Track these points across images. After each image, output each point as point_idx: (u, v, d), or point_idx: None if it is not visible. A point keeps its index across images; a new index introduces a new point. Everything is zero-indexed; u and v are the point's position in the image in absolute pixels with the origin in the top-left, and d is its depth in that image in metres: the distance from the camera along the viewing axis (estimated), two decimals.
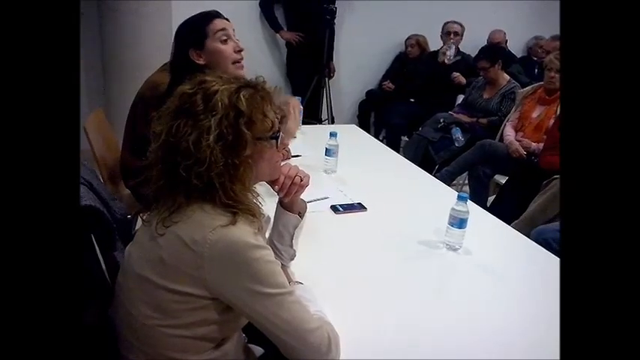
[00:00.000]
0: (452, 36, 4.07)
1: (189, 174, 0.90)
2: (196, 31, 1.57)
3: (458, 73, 3.89)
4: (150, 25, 3.18)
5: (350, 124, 3.38)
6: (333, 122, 4.02)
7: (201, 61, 1.57)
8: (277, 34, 4.15)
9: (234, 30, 1.65)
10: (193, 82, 0.95)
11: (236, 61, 1.61)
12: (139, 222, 1.93)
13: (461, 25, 4.09)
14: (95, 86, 3.52)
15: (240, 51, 1.60)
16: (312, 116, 3.85)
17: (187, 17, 2.22)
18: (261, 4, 4.08)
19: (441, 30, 4.18)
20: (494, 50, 3.64)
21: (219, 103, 0.90)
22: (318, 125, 3.73)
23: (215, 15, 1.61)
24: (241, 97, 0.92)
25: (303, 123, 2.70)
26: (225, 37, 1.58)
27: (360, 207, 1.73)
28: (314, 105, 3.96)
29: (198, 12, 2.23)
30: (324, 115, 4.07)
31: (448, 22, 4.14)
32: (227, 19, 1.66)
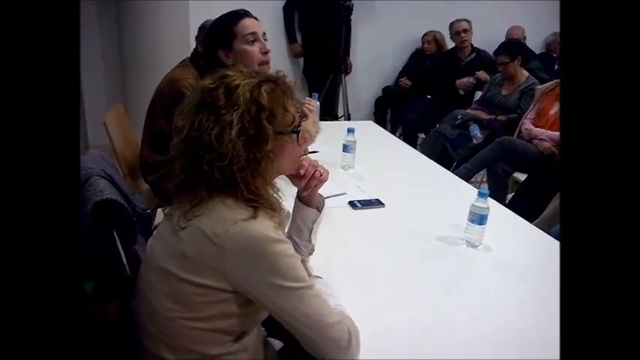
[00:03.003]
0: (462, 34, 3.97)
1: (211, 168, 0.90)
2: (225, 32, 1.59)
3: (481, 71, 3.84)
4: (168, 23, 3.20)
5: (367, 121, 3.36)
6: (349, 119, 4.01)
7: (229, 61, 1.58)
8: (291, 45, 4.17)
9: (264, 33, 1.65)
10: (214, 76, 0.95)
11: (262, 62, 1.61)
12: (158, 216, 1.95)
13: (467, 21, 4.01)
14: (113, 83, 3.57)
15: (266, 52, 1.61)
16: (328, 113, 3.86)
17: (206, 15, 2.24)
18: (285, 8, 4.10)
19: (449, 31, 4.10)
20: (514, 46, 3.59)
21: (241, 98, 0.91)
22: (334, 122, 3.73)
23: (243, 14, 1.61)
24: (262, 91, 0.92)
25: (320, 119, 2.70)
26: (252, 39, 1.59)
27: (377, 203, 1.73)
28: (330, 102, 3.97)
29: (215, 11, 2.25)
30: (340, 112, 4.07)
31: (454, 23, 4.03)
32: (256, 18, 1.66)
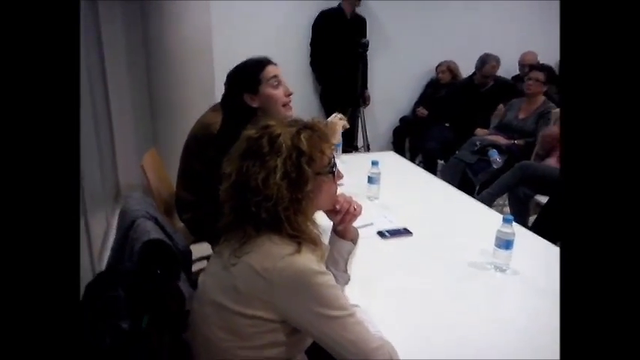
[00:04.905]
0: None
1: (258, 209, 1.00)
2: (251, 77, 1.71)
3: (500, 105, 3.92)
4: (193, 68, 3.37)
5: (388, 151, 3.46)
6: (368, 150, 4.11)
7: (255, 104, 1.69)
8: None
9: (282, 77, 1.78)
10: (257, 126, 1.06)
11: (285, 104, 1.73)
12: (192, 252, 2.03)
13: (496, 60, 4.11)
14: (143, 127, 3.74)
15: (289, 95, 1.73)
16: (348, 145, 3.97)
17: (231, 61, 2.38)
18: (311, 62, 4.31)
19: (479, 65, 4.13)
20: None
21: (283, 145, 1.01)
22: (357, 153, 3.83)
23: (267, 62, 1.74)
24: (302, 138, 1.02)
25: (342, 152, 2.81)
26: (276, 83, 1.71)
27: (405, 232, 1.80)
28: (350, 134, 4.08)
29: (237, 53, 2.38)
30: (360, 143, 4.17)
31: (486, 61, 4.06)
32: (275, 64, 1.79)
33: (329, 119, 2.55)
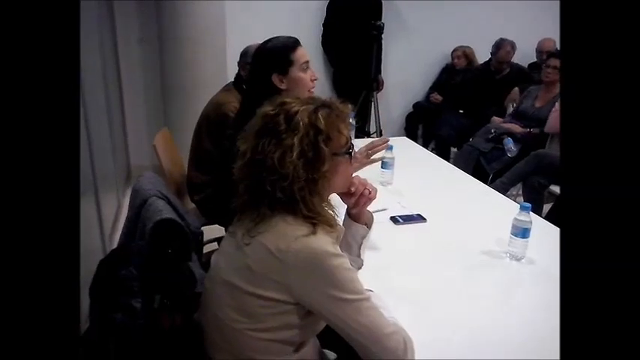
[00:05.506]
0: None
1: (273, 188, 0.98)
2: (282, 57, 1.64)
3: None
4: (206, 49, 3.34)
5: (402, 137, 3.41)
6: (381, 135, 4.07)
7: (282, 86, 1.63)
8: None
9: None
10: (274, 103, 1.03)
11: (310, 89, 1.69)
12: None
13: (512, 45, 4.06)
14: (154, 108, 3.73)
15: (314, 80, 1.69)
16: (360, 130, 3.93)
17: (244, 42, 2.34)
18: (323, 43, 4.24)
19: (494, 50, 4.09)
20: None
21: (300, 123, 0.98)
22: (369, 139, 3.79)
23: (298, 43, 1.67)
24: (319, 116, 0.99)
25: (354, 137, 2.77)
26: (306, 67, 1.66)
27: (419, 218, 1.77)
28: (362, 119, 4.04)
29: (250, 35, 2.33)
30: (372, 129, 4.13)
31: (501, 45, 4.04)
32: (302, 46, 1.73)
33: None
